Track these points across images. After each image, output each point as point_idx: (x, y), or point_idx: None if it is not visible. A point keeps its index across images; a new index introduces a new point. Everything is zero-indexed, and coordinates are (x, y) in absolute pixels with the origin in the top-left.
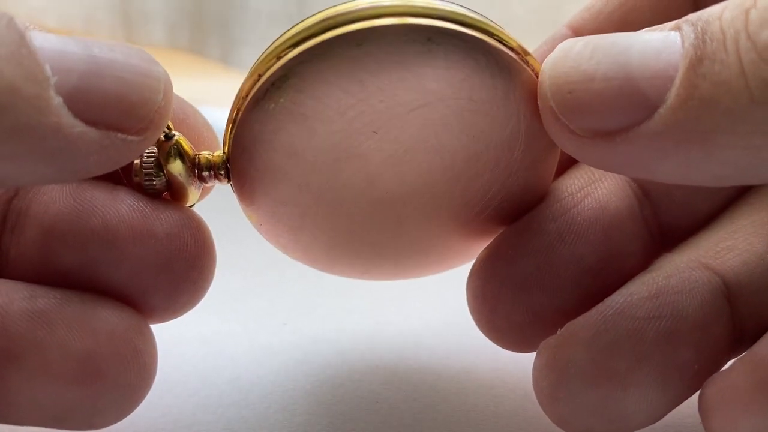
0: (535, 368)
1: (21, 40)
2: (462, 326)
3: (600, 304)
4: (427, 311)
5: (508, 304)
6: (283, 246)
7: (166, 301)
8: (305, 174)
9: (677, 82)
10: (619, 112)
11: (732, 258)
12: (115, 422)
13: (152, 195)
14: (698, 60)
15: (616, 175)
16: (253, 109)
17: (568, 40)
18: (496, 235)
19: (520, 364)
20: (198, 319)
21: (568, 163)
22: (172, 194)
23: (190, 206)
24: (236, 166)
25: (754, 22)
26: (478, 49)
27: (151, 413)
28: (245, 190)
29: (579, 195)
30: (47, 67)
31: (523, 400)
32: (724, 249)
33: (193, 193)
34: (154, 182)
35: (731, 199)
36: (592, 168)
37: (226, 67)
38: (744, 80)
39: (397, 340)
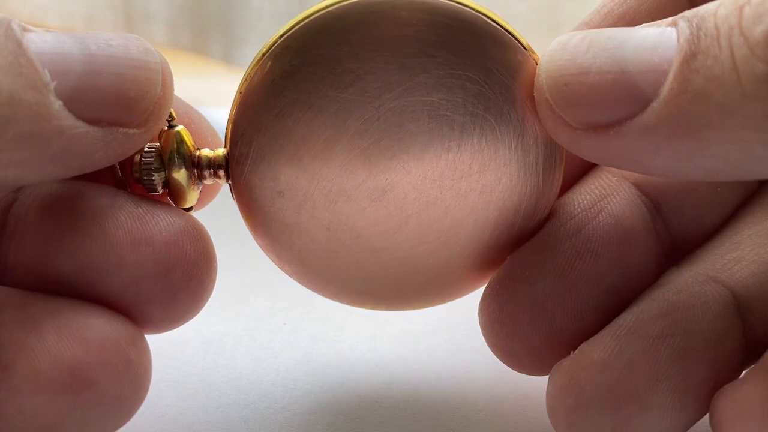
0: (549, 393)
1: (19, 49)
2: (462, 326)
3: (611, 323)
4: (428, 311)
5: (526, 327)
6: (277, 253)
7: (162, 311)
8: (300, 150)
9: (671, 76)
10: (614, 105)
11: (740, 270)
12: None
13: (151, 190)
14: (692, 55)
15: (627, 188)
16: (255, 76)
17: (564, 33)
18: (500, 265)
19: None
20: (198, 319)
21: (574, 179)
22: (171, 193)
23: (189, 209)
24: (235, 160)
25: (747, 18)
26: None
27: (151, 413)
28: (242, 185)
29: (592, 211)
30: (46, 73)
31: (523, 400)
32: (731, 261)
33: (192, 192)
34: (154, 178)
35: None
36: (600, 182)
37: (228, 67)
38: (736, 75)
39: (398, 340)
